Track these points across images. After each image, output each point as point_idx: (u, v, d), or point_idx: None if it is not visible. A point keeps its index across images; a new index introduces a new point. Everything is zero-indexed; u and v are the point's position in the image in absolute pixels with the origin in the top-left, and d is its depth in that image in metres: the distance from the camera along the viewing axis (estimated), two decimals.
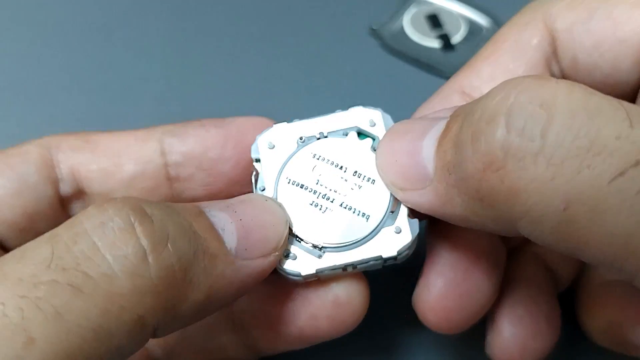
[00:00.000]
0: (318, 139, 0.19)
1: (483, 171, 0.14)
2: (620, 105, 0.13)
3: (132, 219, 0.14)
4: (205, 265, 0.15)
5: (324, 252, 0.18)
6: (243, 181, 0.20)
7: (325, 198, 0.19)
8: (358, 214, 0.18)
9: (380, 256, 0.18)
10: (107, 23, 0.34)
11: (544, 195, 0.13)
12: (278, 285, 0.19)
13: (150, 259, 0.14)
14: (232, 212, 0.17)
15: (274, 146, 0.19)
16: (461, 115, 0.15)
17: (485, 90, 0.16)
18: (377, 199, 0.18)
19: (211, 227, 0.16)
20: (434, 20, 0.33)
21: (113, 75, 0.32)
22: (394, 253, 0.18)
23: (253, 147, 0.19)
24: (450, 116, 0.16)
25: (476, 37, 0.32)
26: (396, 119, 0.20)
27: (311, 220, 0.18)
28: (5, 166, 0.19)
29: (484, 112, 0.14)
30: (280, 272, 0.18)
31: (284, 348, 0.20)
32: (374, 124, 0.20)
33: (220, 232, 0.16)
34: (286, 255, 0.18)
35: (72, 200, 0.20)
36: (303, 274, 0.18)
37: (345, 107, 0.21)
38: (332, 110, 0.20)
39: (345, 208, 0.18)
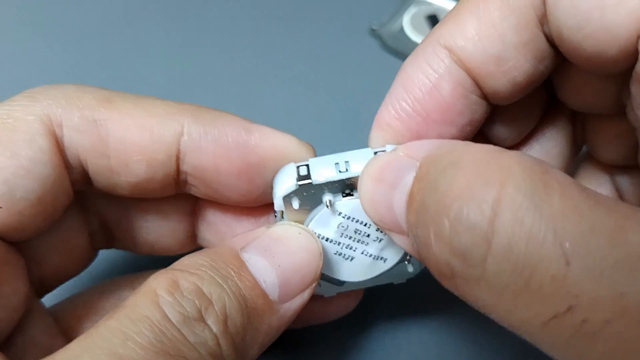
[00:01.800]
0: (344, 196, 0.19)
1: (439, 272, 0.15)
2: (556, 236, 0.13)
3: (199, 304, 0.16)
4: (256, 325, 0.17)
5: (344, 285, 0.20)
6: (250, 195, 0.20)
7: (349, 248, 0.20)
8: (377, 259, 0.20)
9: (391, 282, 0.20)
10: (108, 24, 0.34)
11: (491, 313, 0.14)
12: None
13: (221, 342, 0.16)
14: (270, 257, 0.18)
15: (298, 207, 0.19)
16: (422, 189, 0.15)
17: (471, 52, 0.16)
18: (396, 246, 0.20)
19: (255, 284, 0.17)
20: (434, 21, 0.33)
21: (113, 76, 0.32)
22: (402, 281, 0.20)
23: (276, 203, 0.19)
24: (415, 179, 0.16)
25: None
26: None
27: (336, 266, 0.20)
28: (11, 143, 0.17)
29: (437, 214, 0.14)
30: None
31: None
32: None
33: (263, 285, 0.17)
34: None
35: (80, 183, 0.19)
36: (325, 295, 0.20)
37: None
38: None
39: (366, 255, 0.20)
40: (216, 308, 0.16)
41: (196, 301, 0.16)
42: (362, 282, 0.20)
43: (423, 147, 0.16)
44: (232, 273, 0.17)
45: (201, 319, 0.16)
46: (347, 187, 0.19)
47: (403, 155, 0.16)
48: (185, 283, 0.16)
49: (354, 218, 0.19)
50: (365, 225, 0.19)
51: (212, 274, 0.17)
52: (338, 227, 0.19)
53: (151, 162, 0.18)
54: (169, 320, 0.15)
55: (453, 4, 0.33)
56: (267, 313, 0.17)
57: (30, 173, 0.17)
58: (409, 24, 0.33)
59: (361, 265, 0.20)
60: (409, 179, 0.16)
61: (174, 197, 0.20)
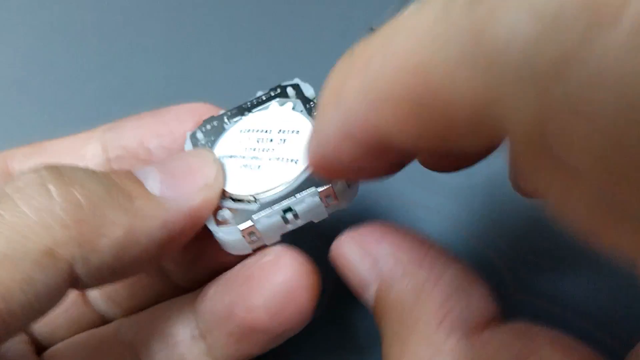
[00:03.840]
0: (241, 118, 0.20)
1: None
2: None
3: (43, 171, 0.16)
4: (120, 202, 0.16)
5: (259, 203, 0.18)
6: None
7: (254, 158, 0.19)
8: (287, 161, 0.19)
9: (314, 189, 0.18)
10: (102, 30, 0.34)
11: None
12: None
13: (55, 195, 0.15)
14: (157, 163, 0.18)
15: (204, 140, 0.20)
16: None
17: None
18: (304, 144, 0.18)
19: (130, 174, 0.17)
20: None
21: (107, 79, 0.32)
22: (327, 184, 0.18)
23: (186, 144, 0.20)
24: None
25: None
26: None
27: (243, 179, 0.19)
28: None
29: None
30: (218, 237, 0.18)
31: None
32: (294, 93, 0.21)
33: (142, 178, 0.17)
34: (221, 220, 0.18)
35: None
36: (240, 228, 0.18)
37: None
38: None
39: (274, 160, 0.19)
40: (63, 172, 0.16)
41: (42, 170, 0.16)
42: (280, 198, 0.19)
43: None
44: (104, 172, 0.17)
45: (38, 179, 0.15)
46: (245, 110, 0.21)
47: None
48: (41, 166, 0.16)
49: (253, 129, 0.20)
50: (266, 132, 0.19)
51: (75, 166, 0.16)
52: (240, 142, 0.20)
53: (80, 156, 0.20)
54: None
55: None
56: (141, 198, 0.16)
57: None
58: None
59: (271, 172, 0.19)
60: None
61: None
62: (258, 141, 0.19)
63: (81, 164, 0.19)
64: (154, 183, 0.17)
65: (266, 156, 0.19)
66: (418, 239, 0.17)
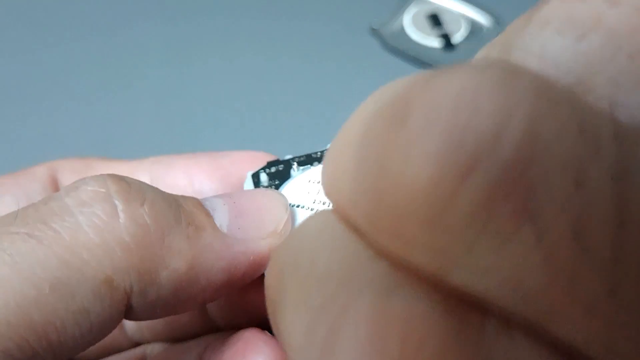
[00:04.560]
0: (310, 167, 0.19)
1: None
2: None
3: (108, 183, 0.14)
4: (188, 233, 0.15)
5: None
6: None
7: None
8: None
9: None
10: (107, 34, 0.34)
11: None
12: None
13: (121, 214, 0.13)
14: (226, 197, 0.16)
15: (267, 182, 0.19)
16: None
17: None
18: None
19: (200, 204, 0.16)
20: (435, 20, 0.33)
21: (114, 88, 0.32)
22: None
23: (246, 183, 0.19)
24: None
25: (477, 37, 0.32)
26: None
27: None
28: (14, 185, 0.19)
29: None
30: None
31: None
32: None
33: (211, 211, 0.16)
34: None
35: None
36: None
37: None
38: (325, 139, 0.20)
39: None
40: (131, 187, 0.14)
41: (107, 179, 0.14)
42: None
43: None
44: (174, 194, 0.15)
45: (102, 191, 0.14)
46: (314, 160, 0.19)
47: None
48: (104, 174, 0.14)
49: None
50: None
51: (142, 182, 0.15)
52: (309, 193, 0.18)
53: None
54: (56, 193, 0.14)
55: (454, 3, 0.33)
56: (209, 232, 0.15)
57: None
58: (410, 23, 0.33)
59: None
60: None
61: None
62: None
63: None
64: (222, 218, 0.15)
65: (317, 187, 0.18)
66: None
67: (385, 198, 0.08)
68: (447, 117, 0.08)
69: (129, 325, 0.19)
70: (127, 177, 0.15)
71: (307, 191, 0.18)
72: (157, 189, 0.15)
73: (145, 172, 0.19)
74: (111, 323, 0.14)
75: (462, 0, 0.33)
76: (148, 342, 0.20)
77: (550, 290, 0.07)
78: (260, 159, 0.19)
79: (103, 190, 0.14)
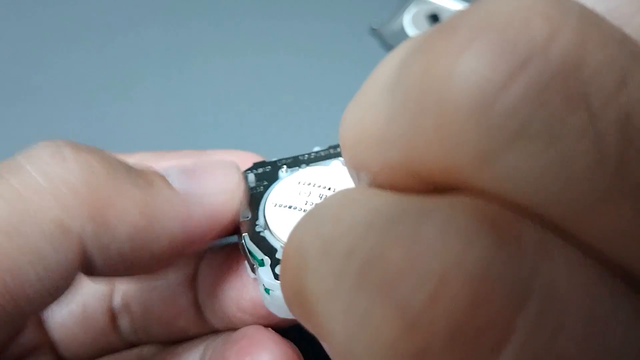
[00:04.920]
0: (298, 169, 0.19)
1: None
2: None
3: (60, 142, 0.14)
4: (139, 182, 0.15)
5: None
6: None
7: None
8: None
9: None
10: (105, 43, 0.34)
11: None
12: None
13: (70, 160, 0.14)
14: (179, 164, 0.17)
15: (255, 183, 0.19)
16: None
17: None
18: None
19: (152, 168, 0.16)
20: (435, 20, 0.33)
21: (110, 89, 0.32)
22: None
23: None
24: None
25: None
26: None
27: None
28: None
29: None
30: (272, 287, 0.16)
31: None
32: None
33: (164, 173, 0.16)
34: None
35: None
36: None
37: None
38: (314, 142, 0.20)
39: None
40: (83, 148, 0.14)
41: (60, 140, 0.14)
42: None
43: None
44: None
45: (53, 147, 0.14)
46: (302, 162, 0.19)
47: None
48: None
49: (314, 184, 0.18)
50: (329, 189, 0.18)
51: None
52: (300, 194, 0.18)
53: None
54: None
55: (454, 3, 0.33)
56: (160, 186, 0.15)
57: None
58: (410, 23, 0.33)
59: None
60: None
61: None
62: (321, 197, 0.18)
63: None
64: (175, 178, 0.16)
65: (308, 189, 0.18)
66: None
67: (430, 100, 0.08)
68: (500, 23, 0.08)
69: (123, 326, 0.19)
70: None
71: (298, 192, 0.18)
72: (111, 153, 0.15)
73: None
74: (68, 268, 0.14)
75: (462, 0, 0.33)
76: (143, 343, 0.20)
77: (597, 178, 0.08)
78: (246, 159, 0.19)
79: (53, 145, 0.14)
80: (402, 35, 0.33)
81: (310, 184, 0.18)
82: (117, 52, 0.33)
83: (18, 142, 0.29)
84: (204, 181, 0.16)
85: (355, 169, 0.11)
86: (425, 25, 0.33)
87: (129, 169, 0.15)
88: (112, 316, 0.19)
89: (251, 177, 0.18)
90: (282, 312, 0.16)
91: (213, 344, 0.18)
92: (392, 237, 0.08)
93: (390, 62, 0.10)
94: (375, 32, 0.33)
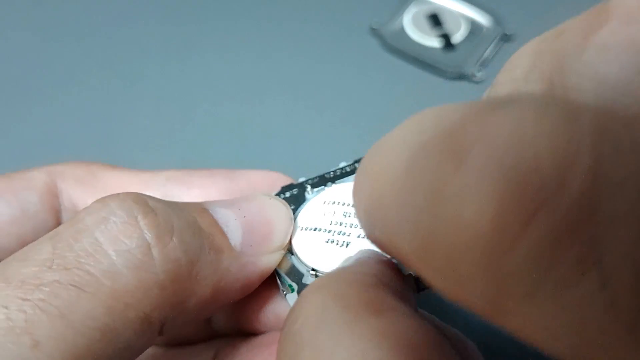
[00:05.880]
0: (324, 189, 0.19)
1: None
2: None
3: (135, 212, 0.14)
4: (211, 260, 0.15)
5: None
6: None
7: (341, 234, 0.18)
8: None
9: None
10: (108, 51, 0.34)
11: None
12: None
13: (154, 252, 0.14)
14: (236, 209, 0.17)
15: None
16: None
17: None
18: None
19: (215, 223, 0.16)
20: (435, 20, 0.33)
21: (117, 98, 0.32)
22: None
23: None
24: None
25: (477, 37, 0.32)
26: (396, 119, 0.19)
27: (330, 255, 0.17)
28: (8, 190, 0.18)
29: None
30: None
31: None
32: None
33: (225, 228, 0.16)
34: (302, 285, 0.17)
35: None
36: None
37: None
38: (337, 159, 0.20)
39: (363, 238, 0.17)
40: (158, 216, 0.14)
41: (133, 208, 0.14)
42: None
43: None
44: (190, 206, 0.16)
45: (132, 223, 0.14)
46: (328, 180, 0.19)
47: None
48: (126, 197, 0.15)
49: (339, 202, 0.18)
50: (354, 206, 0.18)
51: (164, 200, 0.15)
52: (325, 215, 0.18)
53: None
54: (82, 222, 0.14)
55: (454, 3, 0.33)
56: (227, 255, 0.16)
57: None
58: (410, 23, 0.33)
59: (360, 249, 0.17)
60: None
61: None
62: (345, 215, 0.18)
63: None
64: (235, 236, 0.16)
65: (354, 233, 0.17)
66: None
67: (439, 238, 0.08)
68: (508, 159, 0.07)
69: None
70: (150, 199, 0.15)
71: (323, 213, 0.18)
72: (178, 210, 0.15)
73: (159, 187, 0.19)
74: (147, 348, 0.15)
75: (462, 0, 0.33)
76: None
77: (612, 336, 0.07)
78: (275, 179, 0.19)
79: (133, 224, 0.14)
80: (402, 35, 0.33)
81: (334, 202, 0.18)
82: (119, 51, 0.33)
83: (18, 142, 0.30)
84: (260, 238, 0.17)
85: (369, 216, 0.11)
86: (425, 25, 0.33)
87: (201, 240, 0.15)
88: None
89: None
90: None
91: (227, 346, 0.18)
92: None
93: (402, 141, 0.10)
94: (375, 32, 0.33)
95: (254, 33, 0.34)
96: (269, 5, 0.35)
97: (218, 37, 0.33)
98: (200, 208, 0.16)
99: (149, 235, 0.14)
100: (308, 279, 0.17)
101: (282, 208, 0.18)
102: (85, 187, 0.19)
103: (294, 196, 0.19)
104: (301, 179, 0.19)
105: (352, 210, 0.18)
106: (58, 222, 0.19)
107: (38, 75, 0.32)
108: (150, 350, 0.20)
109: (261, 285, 0.18)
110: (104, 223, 0.14)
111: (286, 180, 0.19)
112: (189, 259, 0.14)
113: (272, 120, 0.30)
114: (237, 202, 0.17)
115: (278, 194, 0.19)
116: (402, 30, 0.33)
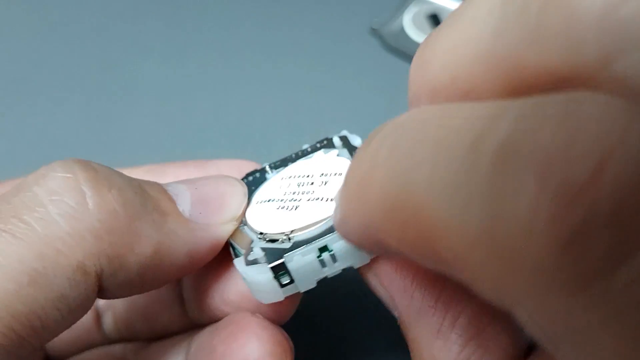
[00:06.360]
0: (284, 168, 0.19)
1: None
2: None
3: (76, 169, 0.14)
4: (154, 219, 0.15)
5: (293, 242, 0.16)
6: None
7: (292, 200, 0.17)
8: (327, 201, 0.17)
9: (351, 267, 0.16)
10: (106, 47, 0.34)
11: None
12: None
13: (90, 202, 0.14)
14: (189, 184, 0.17)
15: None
16: None
17: None
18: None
19: (163, 190, 0.16)
20: (435, 20, 0.33)
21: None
22: (366, 261, 0.16)
23: None
24: None
25: None
26: None
27: (279, 220, 0.17)
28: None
29: None
30: (248, 280, 0.16)
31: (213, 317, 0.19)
32: (340, 144, 0.19)
33: (174, 197, 0.16)
34: (251, 259, 0.16)
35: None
36: (271, 265, 0.16)
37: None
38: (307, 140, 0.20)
39: (313, 200, 0.17)
40: (99, 173, 0.15)
41: (74, 165, 0.14)
42: (315, 236, 0.16)
43: None
44: (139, 179, 0.16)
45: (70, 177, 0.14)
46: (289, 161, 0.19)
47: None
48: (70, 159, 0.15)
49: (294, 176, 0.18)
50: (307, 176, 0.18)
51: (109, 168, 0.15)
52: (280, 188, 0.18)
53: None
54: (24, 180, 0.14)
55: (454, 3, 0.33)
56: (173, 218, 0.16)
57: None
58: (410, 23, 0.33)
59: (309, 212, 0.17)
60: None
61: None
62: (299, 185, 0.18)
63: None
64: (184, 204, 0.16)
65: (305, 197, 0.17)
66: (433, 273, 0.15)
67: (554, 6, 0.09)
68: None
69: (106, 323, 0.20)
70: (93, 162, 0.15)
71: (279, 187, 0.18)
72: (122, 174, 0.16)
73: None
74: (87, 303, 0.14)
75: (462, 1, 0.33)
76: (126, 340, 0.20)
77: None
78: (245, 167, 0.20)
79: (71, 176, 0.14)
80: (402, 35, 0.33)
81: (291, 177, 0.19)
82: (118, 50, 0.33)
83: (18, 140, 0.30)
84: (212, 208, 0.17)
85: (432, 96, 0.12)
86: (425, 25, 0.33)
87: (144, 200, 0.15)
88: (97, 314, 0.20)
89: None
90: (268, 297, 0.16)
91: (198, 335, 0.19)
92: (540, 120, 0.08)
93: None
94: (375, 32, 0.33)
95: (254, 33, 0.34)
96: (269, 5, 0.35)
97: (218, 37, 0.33)
98: (152, 181, 0.16)
99: (85, 187, 0.14)
100: (257, 244, 0.17)
101: (235, 183, 0.18)
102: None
103: (256, 179, 0.19)
104: (265, 164, 0.20)
105: (307, 180, 0.18)
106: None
107: (38, 75, 0.32)
108: (131, 346, 0.20)
109: (222, 267, 0.18)
110: (43, 178, 0.14)
111: (256, 167, 0.20)
112: (128, 212, 0.14)
113: (272, 120, 0.30)
114: (192, 180, 0.18)
115: (242, 179, 0.19)
116: (402, 30, 0.33)
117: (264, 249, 0.16)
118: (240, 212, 0.17)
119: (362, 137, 0.20)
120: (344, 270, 0.16)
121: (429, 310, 0.15)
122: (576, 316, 0.08)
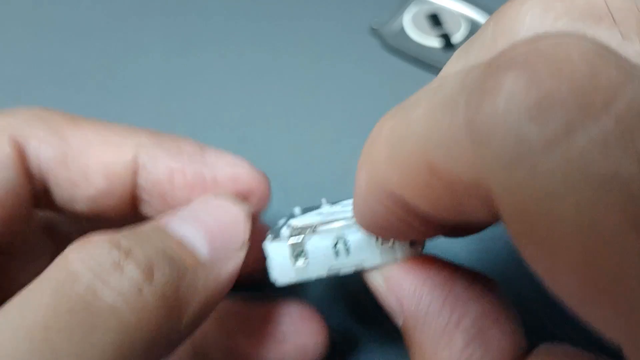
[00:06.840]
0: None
1: None
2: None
3: (117, 257, 0.15)
4: (189, 281, 0.16)
5: (317, 233, 0.18)
6: None
7: (330, 214, 0.19)
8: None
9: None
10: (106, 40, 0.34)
11: None
12: (246, 320, 0.20)
13: (144, 291, 0.15)
14: (194, 223, 0.18)
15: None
16: None
17: None
18: None
19: (182, 244, 0.17)
20: (435, 20, 0.33)
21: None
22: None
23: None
24: None
25: None
26: None
27: (309, 217, 0.19)
28: None
29: None
30: (267, 254, 0.18)
31: None
32: None
33: (191, 246, 0.17)
34: (276, 236, 0.18)
35: (41, 194, 0.19)
36: (290, 242, 0.18)
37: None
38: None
39: (340, 205, 0.19)
40: (136, 256, 0.15)
41: (111, 252, 0.15)
42: (334, 229, 0.18)
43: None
44: (154, 232, 0.17)
45: (117, 268, 0.15)
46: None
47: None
48: (98, 241, 0.15)
49: (342, 204, 0.20)
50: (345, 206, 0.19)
51: (132, 235, 0.16)
52: (326, 210, 0.20)
53: (109, 174, 0.19)
54: (76, 275, 0.14)
55: (454, 3, 0.33)
56: (200, 270, 0.16)
57: None
58: (410, 23, 0.33)
59: (336, 212, 0.19)
60: None
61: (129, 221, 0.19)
62: (342, 206, 0.20)
63: (106, 184, 0.19)
64: (202, 249, 0.17)
65: (341, 215, 0.18)
66: (442, 273, 0.16)
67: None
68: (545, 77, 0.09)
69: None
70: (122, 239, 0.16)
71: (325, 209, 0.20)
72: (149, 241, 0.16)
73: (130, 156, 0.19)
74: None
75: (462, 0, 0.33)
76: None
77: None
78: (239, 165, 0.20)
79: (117, 267, 0.15)
80: (402, 35, 0.33)
81: (337, 205, 0.20)
82: (118, 48, 0.33)
83: None
84: (222, 244, 0.17)
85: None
86: (425, 25, 0.33)
87: (178, 266, 0.16)
88: None
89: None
90: (282, 275, 0.18)
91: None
92: None
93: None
94: (375, 32, 0.33)
95: (254, 33, 0.34)
96: (269, 5, 0.35)
97: (218, 37, 0.33)
98: (163, 231, 0.17)
99: (135, 275, 0.15)
100: (285, 229, 0.18)
101: (233, 208, 0.19)
102: (53, 154, 0.19)
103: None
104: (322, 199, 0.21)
105: (350, 208, 0.18)
106: (31, 191, 0.19)
107: (37, 75, 0.32)
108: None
109: None
110: (108, 283, 0.15)
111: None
112: (172, 288, 0.15)
113: (272, 120, 0.30)
114: (193, 212, 0.18)
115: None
116: (402, 30, 0.33)
117: (289, 230, 0.18)
118: (248, 235, 0.18)
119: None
120: (354, 272, 0.18)
121: (435, 311, 0.16)
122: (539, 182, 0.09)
